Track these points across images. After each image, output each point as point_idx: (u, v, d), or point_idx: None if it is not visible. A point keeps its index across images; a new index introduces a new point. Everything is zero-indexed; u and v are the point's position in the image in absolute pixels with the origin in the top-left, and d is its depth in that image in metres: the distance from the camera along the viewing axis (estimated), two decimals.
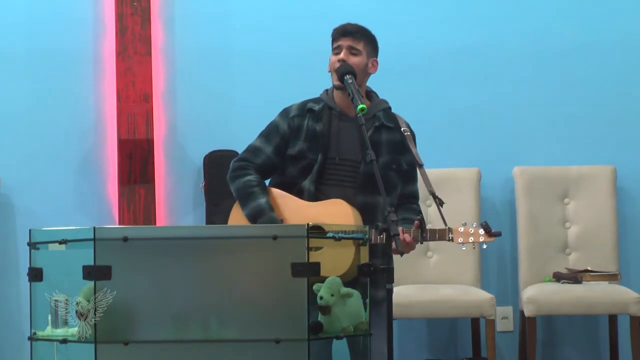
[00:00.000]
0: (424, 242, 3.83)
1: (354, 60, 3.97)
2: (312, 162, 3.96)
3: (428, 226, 3.96)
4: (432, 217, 5.38)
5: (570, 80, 5.73)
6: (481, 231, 3.84)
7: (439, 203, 3.81)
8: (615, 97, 5.73)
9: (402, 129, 4.00)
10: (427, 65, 5.70)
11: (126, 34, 5.48)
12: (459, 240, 3.83)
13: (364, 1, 5.68)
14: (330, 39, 4.05)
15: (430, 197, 3.82)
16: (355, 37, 3.99)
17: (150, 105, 5.46)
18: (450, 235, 3.83)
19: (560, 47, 5.73)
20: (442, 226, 3.82)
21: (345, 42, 3.98)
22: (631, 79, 5.73)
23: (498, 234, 3.85)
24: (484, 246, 3.88)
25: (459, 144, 5.68)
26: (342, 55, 3.96)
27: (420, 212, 4.07)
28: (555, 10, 5.74)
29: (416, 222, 3.81)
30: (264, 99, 5.40)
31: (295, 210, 3.91)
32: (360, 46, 3.99)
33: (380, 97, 4.12)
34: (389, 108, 4.08)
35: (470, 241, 3.84)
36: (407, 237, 3.77)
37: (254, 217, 3.92)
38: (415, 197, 4.11)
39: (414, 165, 4.04)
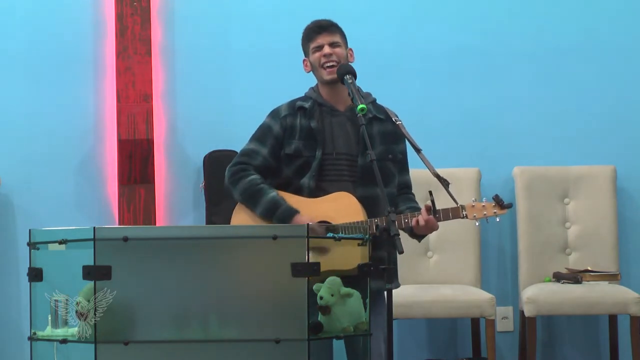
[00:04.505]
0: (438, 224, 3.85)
1: (338, 52, 3.99)
2: (308, 160, 3.96)
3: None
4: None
5: (569, 80, 5.73)
6: (493, 204, 3.86)
7: (446, 184, 3.81)
8: (615, 97, 5.73)
9: (393, 119, 4.02)
10: (427, 66, 5.70)
11: (126, 34, 5.48)
12: (473, 216, 3.84)
13: (363, 1, 5.68)
14: (303, 40, 4.06)
15: (430, 186, 3.83)
16: (331, 31, 4.02)
17: (150, 105, 5.46)
18: (464, 212, 3.85)
19: (560, 47, 5.73)
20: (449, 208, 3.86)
21: (324, 39, 4.00)
22: (631, 79, 5.73)
23: (509, 206, 3.88)
24: (497, 219, 3.90)
25: (459, 144, 5.68)
26: (326, 50, 3.97)
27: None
28: (555, 10, 5.74)
29: (426, 204, 3.82)
30: (264, 98, 5.33)
31: (304, 208, 3.90)
32: (337, 38, 4.02)
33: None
34: (375, 100, 4.09)
35: (484, 215, 3.85)
36: (432, 219, 3.80)
37: (271, 210, 3.88)
38: (409, 187, 4.15)
39: (407, 155, 4.08)
